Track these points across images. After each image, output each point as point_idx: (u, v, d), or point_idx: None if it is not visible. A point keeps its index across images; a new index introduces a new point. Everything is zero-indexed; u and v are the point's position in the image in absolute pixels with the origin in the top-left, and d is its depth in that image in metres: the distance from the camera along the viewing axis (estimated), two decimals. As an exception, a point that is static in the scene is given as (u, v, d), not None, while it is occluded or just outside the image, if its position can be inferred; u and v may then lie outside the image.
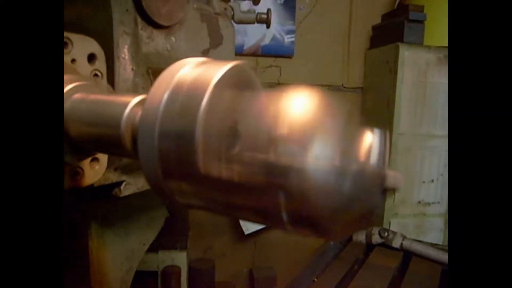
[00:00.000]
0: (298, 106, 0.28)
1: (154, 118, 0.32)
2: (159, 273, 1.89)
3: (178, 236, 1.98)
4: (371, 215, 0.30)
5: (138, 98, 0.40)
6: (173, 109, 0.32)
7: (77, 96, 0.44)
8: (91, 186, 0.62)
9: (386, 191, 0.30)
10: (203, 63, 0.35)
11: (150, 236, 0.97)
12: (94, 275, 0.82)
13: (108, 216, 0.82)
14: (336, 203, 0.27)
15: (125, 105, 0.39)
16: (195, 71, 0.33)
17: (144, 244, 0.96)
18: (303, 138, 0.27)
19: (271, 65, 2.33)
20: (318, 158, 0.27)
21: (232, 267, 2.42)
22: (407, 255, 1.40)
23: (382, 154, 0.30)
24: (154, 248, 1.86)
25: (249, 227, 2.26)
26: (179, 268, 1.90)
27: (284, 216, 0.28)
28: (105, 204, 0.79)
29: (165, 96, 0.32)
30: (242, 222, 2.24)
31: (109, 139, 0.40)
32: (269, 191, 0.28)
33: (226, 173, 0.30)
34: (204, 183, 0.32)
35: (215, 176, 0.31)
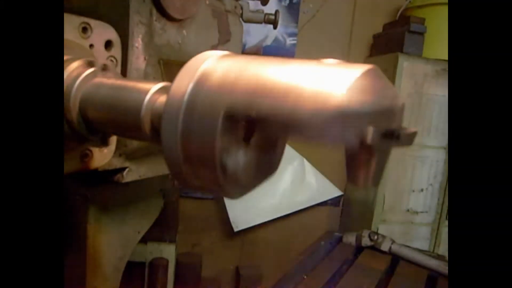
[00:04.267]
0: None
1: (179, 106, 0.34)
2: (147, 264, 1.89)
3: (168, 229, 1.98)
4: None
5: (158, 86, 0.41)
6: (197, 100, 0.33)
7: (96, 80, 0.46)
8: (95, 170, 0.63)
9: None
10: (226, 56, 0.36)
11: (145, 224, 0.98)
12: (89, 260, 0.83)
13: (107, 201, 0.83)
14: None
15: (145, 91, 0.41)
16: (219, 65, 0.35)
17: (138, 233, 0.97)
18: None
19: (271, 66, 2.34)
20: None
21: (219, 264, 2.44)
22: (395, 259, 1.43)
23: None
24: (143, 239, 1.85)
25: (239, 224, 2.27)
26: (167, 261, 1.90)
27: None
28: (105, 189, 0.80)
29: (190, 86, 0.34)
30: (232, 219, 2.24)
31: (128, 123, 0.41)
32: None
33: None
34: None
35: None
